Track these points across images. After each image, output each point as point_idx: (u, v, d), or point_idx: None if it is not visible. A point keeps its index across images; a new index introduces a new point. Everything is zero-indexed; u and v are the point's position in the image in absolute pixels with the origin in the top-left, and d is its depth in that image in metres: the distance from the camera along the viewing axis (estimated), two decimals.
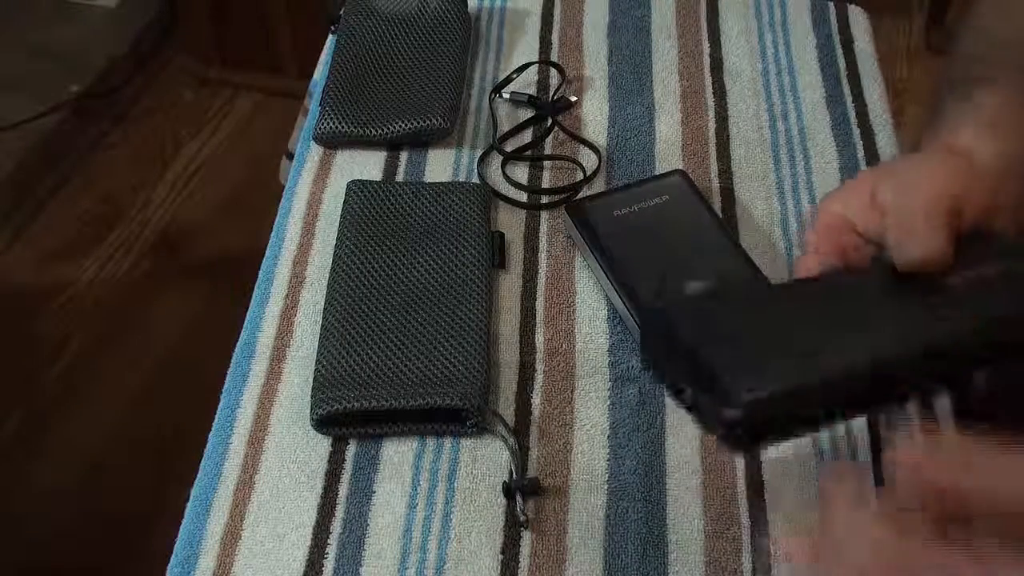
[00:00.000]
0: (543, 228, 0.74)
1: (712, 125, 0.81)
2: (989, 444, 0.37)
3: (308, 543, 0.58)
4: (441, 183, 0.75)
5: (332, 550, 0.58)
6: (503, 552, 0.58)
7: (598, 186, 0.77)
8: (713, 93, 0.84)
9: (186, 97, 2.12)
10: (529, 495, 0.60)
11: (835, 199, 0.50)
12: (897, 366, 0.41)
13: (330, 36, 0.90)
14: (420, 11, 0.87)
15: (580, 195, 0.76)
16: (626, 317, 0.67)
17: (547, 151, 0.80)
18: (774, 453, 0.62)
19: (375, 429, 0.62)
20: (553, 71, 0.86)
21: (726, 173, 0.78)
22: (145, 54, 2.17)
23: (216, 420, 0.64)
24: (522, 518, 0.58)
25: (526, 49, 0.88)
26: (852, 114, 0.82)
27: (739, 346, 0.41)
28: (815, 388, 0.39)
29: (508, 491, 0.60)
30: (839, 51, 0.87)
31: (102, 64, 2.09)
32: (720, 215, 0.74)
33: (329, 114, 0.79)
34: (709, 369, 0.39)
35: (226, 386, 0.66)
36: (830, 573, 0.38)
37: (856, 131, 0.81)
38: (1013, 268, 0.44)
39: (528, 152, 0.80)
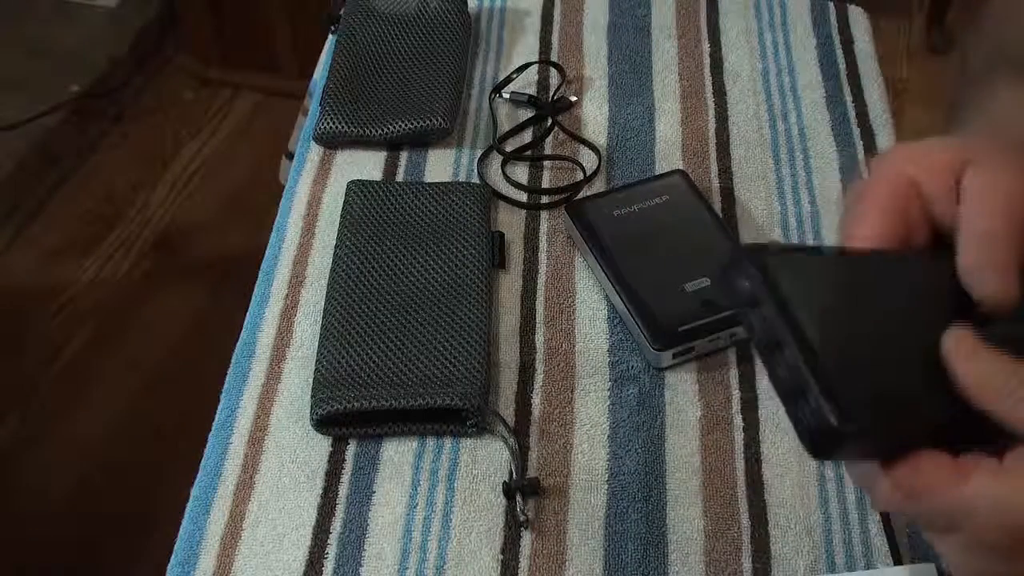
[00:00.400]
0: (543, 228, 0.74)
1: (712, 125, 0.81)
2: None
3: (308, 543, 0.58)
4: (441, 183, 0.75)
5: (332, 550, 0.58)
6: (503, 552, 0.58)
7: (598, 186, 0.77)
8: (713, 93, 0.84)
9: (186, 97, 2.12)
10: (529, 495, 0.60)
11: (910, 160, 0.44)
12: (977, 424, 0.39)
13: (330, 36, 0.90)
14: (420, 11, 0.87)
15: (580, 195, 0.76)
16: (626, 317, 0.67)
17: (547, 151, 0.80)
18: (775, 454, 0.62)
19: (375, 429, 0.62)
20: (553, 71, 0.86)
21: (726, 173, 0.78)
22: (145, 54, 2.17)
23: (216, 420, 0.64)
24: (522, 518, 0.58)
25: (526, 49, 0.88)
26: (852, 114, 0.82)
27: (839, 344, 0.38)
28: (913, 433, 0.38)
29: (508, 491, 0.60)
30: (839, 51, 0.87)
31: (102, 64, 2.10)
32: (720, 215, 0.74)
33: (329, 114, 0.79)
34: (816, 363, 0.37)
35: (226, 386, 0.66)
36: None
37: (856, 131, 0.81)
38: None
39: (528, 152, 0.80)
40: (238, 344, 0.68)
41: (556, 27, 0.90)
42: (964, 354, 0.39)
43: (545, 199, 0.76)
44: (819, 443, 0.37)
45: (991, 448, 0.38)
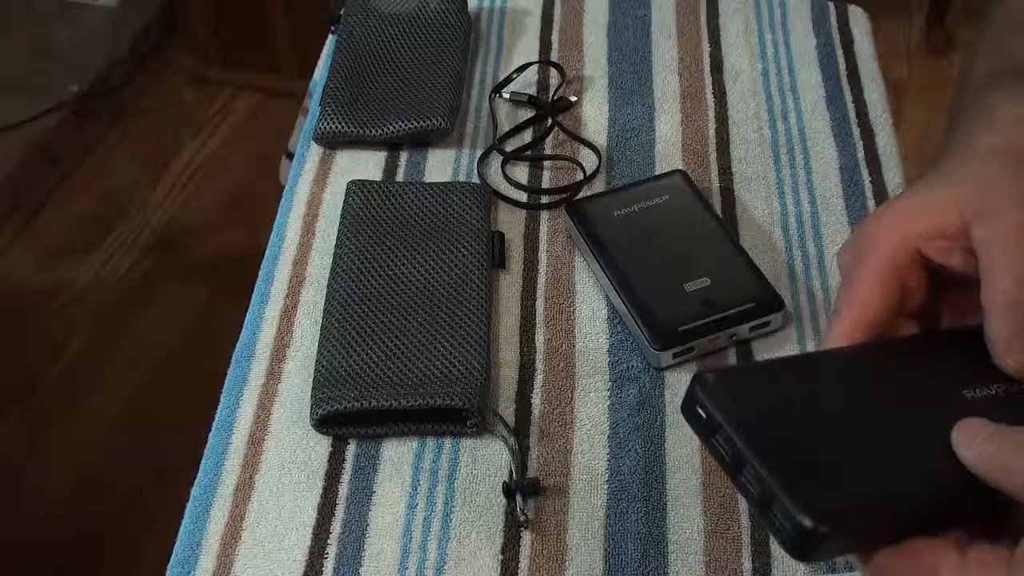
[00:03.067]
0: (543, 228, 0.74)
1: (712, 125, 0.81)
2: None
3: (308, 543, 0.58)
4: (441, 183, 0.76)
5: (332, 550, 0.58)
6: (503, 552, 0.58)
7: (598, 186, 0.77)
8: (713, 93, 0.84)
9: (186, 97, 2.12)
10: (529, 495, 0.60)
11: (909, 222, 0.43)
12: (964, 498, 0.39)
13: (330, 36, 0.90)
14: (420, 11, 0.87)
15: (580, 195, 0.76)
16: (626, 317, 0.67)
17: (547, 151, 0.80)
18: None
19: (375, 429, 0.62)
20: (553, 71, 0.86)
21: (726, 173, 0.78)
22: (145, 54, 2.17)
23: (216, 420, 0.64)
24: (522, 518, 0.58)
25: (526, 49, 0.88)
26: (852, 114, 0.82)
27: (812, 444, 0.39)
28: (894, 517, 0.38)
29: (508, 491, 0.60)
30: (839, 51, 0.87)
31: (102, 64, 2.10)
32: (720, 215, 0.74)
33: (329, 114, 0.79)
34: (784, 465, 0.37)
35: (226, 386, 0.66)
36: None
37: (856, 131, 0.81)
38: None
39: (528, 152, 0.80)
40: (238, 344, 0.68)
41: (556, 27, 0.90)
42: (969, 438, 0.38)
43: (545, 199, 0.76)
44: (800, 547, 0.36)
45: (987, 532, 0.38)
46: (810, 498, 0.36)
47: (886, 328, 0.43)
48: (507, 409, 0.64)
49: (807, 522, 0.35)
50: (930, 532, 0.38)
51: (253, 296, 0.71)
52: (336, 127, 0.78)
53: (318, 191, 0.77)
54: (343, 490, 0.60)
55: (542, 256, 0.73)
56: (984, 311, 0.41)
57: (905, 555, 0.37)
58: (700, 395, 0.40)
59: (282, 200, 0.77)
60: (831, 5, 0.92)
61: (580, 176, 0.78)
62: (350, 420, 0.62)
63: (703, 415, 0.40)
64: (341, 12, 0.88)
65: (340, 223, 0.72)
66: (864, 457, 0.39)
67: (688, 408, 0.40)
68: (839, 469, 0.38)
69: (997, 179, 0.44)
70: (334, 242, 0.72)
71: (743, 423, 0.39)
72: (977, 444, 0.38)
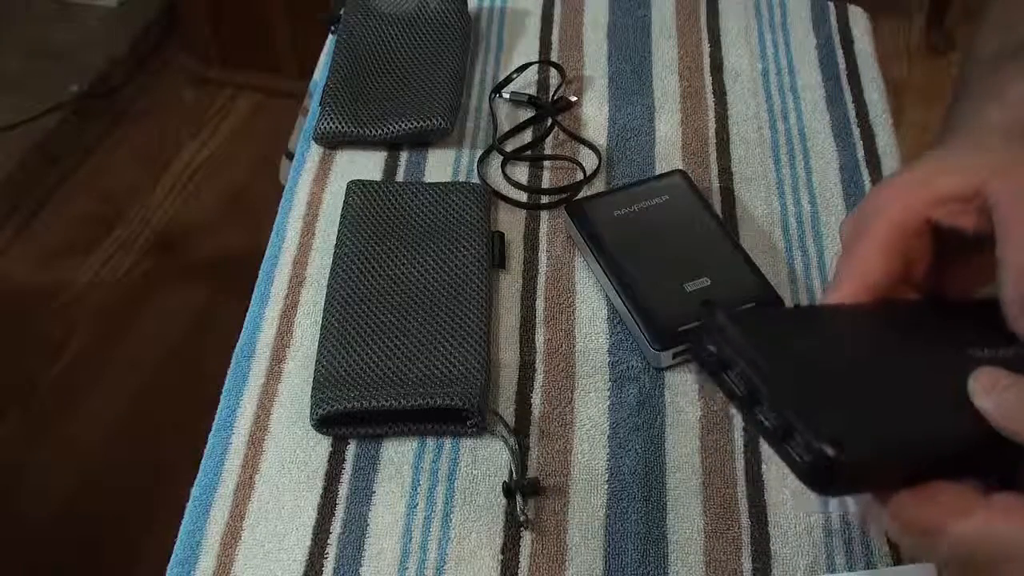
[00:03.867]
0: (543, 228, 0.74)
1: (712, 125, 0.81)
2: None
3: (308, 543, 0.58)
4: (441, 183, 0.76)
5: (332, 550, 0.58)
6: (503, 552, 0.58)
7: (598, 186, 0.77)
8: (713, 93, 0.84)
9: (186, 97, 2.13)
10: (529, 495, 0.60)
11: (914, 193, 0.42)
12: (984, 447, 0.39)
13: (330, 36, 0.90)
14: (420, 11, 0.87)
15: (580, 195, 0.76)
16: (626, 317, 0.67)
17: (547, 151, 0.80)
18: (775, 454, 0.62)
19: (375, 429, 0.62)
20: (553, 71, 0.86)
21: (726, 173, 0.78)
22: (145, 54, 2.17)
23: (216, 420, 0.64)
24: (522, 518, 0.58)
25: (526, 49, 0.88)
26: (852, 114, 0.82)
27: (832, 379, 0.39)
28: (912, 455, 0.38)
29: (508, 491, 0.60)
30: (839, 51, 0.87)
31: (102, 64, 2.10)
32: (720, 215, 0.74)
33: (329, 114, 0.79)
34: (802, 396, 0.37)
35: (226, 386, 0.66)
36: None
37: (856, 131, 0.81)
38: None
39: (528, 152, 0.80)
40: (238, 344, 0.68)
41: (556, 27, 0.90)
42: (987, 386, 0.38)
43: (545, 199, 0.76)
44: (818, 477, 0.36)
45: (1009, 477, 0.37)
46: (830, 427, 0.36)
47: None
48: (507, 409, 0.64)
49: (829, 450, 0.35)
50: (946, 478, 0.37)
51: (253, 296, 0.71)
52: (336, 127, 0.78)
53: (318, 191, 0.77)
54: (343, 490, 0.60)
55: (542, 256, 0.73)
56: (999, 268, 0.41)
57: (923, 494, 0.37)
58: (714, 330, 0.39)
59: (282, 200, 0.77)
60: (831, 5, 0.92)
61: (580, 176, 0.78)
62: (350, 420, 0.62)
63: (715, 350, 0.39)
64: (341, 12, 0.88)
65: (340, 223, 0.72)
66: (878, 396, 0.39)
67: (698, 346, 0.40)
68: (855, 405, 0.38)
69: (1006, 152, 0.43)
70: (334, 242, 0.72)
71: (759, 356, 0.38)
72: (997, 393, 0.37)
